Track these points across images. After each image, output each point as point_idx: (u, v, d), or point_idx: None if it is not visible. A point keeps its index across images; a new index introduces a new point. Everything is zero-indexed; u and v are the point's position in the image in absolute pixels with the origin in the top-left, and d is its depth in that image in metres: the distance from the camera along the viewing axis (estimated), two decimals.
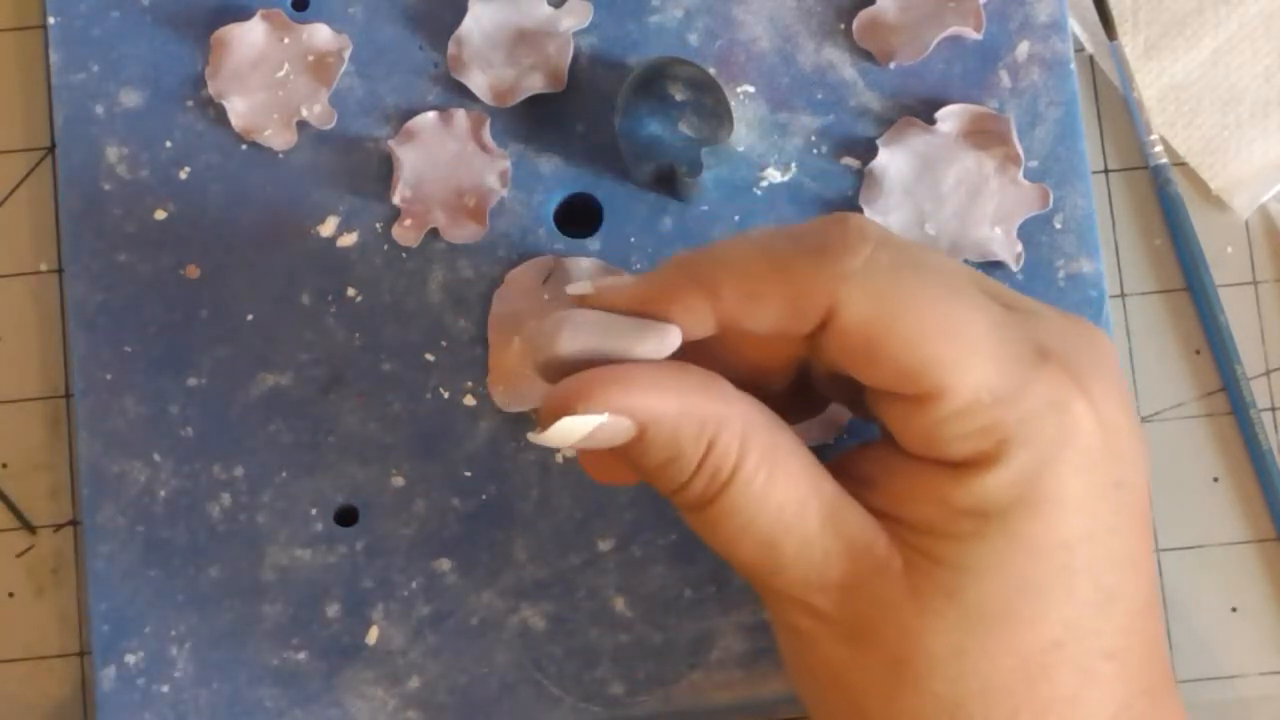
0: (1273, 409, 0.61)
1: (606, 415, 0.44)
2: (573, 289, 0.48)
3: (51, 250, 0.62)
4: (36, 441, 0.61)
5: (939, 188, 0.58)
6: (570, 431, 0.45)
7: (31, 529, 0.60)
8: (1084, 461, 0.45)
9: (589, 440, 0.45)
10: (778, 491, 0.45)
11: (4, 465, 0.60)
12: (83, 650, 0.60)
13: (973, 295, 0.45)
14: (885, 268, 0.44)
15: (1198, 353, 0.61)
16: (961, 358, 0.44)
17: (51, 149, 0.62)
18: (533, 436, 0.46)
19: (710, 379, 0.46)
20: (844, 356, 0.45)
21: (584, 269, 0.58)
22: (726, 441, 0.45)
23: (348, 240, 0.58)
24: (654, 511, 0.57)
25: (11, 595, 0.60)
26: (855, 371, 0.45)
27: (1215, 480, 0.60)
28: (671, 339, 0.46)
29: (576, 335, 0.46)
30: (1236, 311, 0.61)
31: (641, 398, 0.45)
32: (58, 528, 0.60)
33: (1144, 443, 0.47)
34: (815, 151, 0.59)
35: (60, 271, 0.61)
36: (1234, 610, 0.60)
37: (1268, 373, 0.61)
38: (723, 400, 0.46)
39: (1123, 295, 0.61)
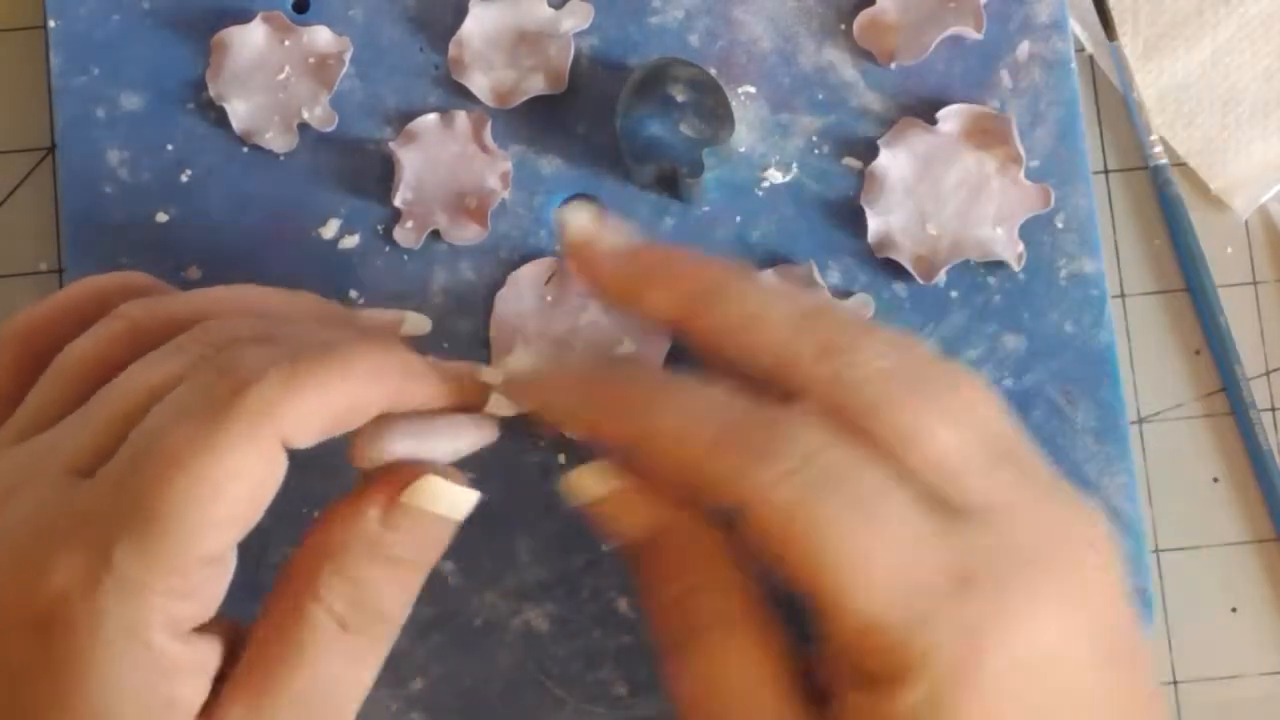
0: (1273, 409, 0.61)
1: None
2: (485, 376, 0.48)
3: (51, 250, 0.62)
4: None
5: (940, 188, 0.58)
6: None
7: None
8: (992, 692, 0.42)
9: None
10: (736, 666, 0.45)
11: None
12: None
13: (895, 518, 0.43)
14: (802, 484, 0.42)
15: (1198, 353, 0.61)
16: (861, 588, 0.42)
17: (52, 149, 0.62)
18: None
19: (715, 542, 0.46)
20: (757, 546, 0.44)
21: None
22: (711, 595, 0.45)
23: (349, 242, 0.58)
24: None
25: None
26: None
27: (1215, 480, 0.61)
28: (486, 433, 0.48)
29: (395, 441, 0.46)
30: (1236, 311, 0.61)
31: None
32: None
33: (1112, 664, 0.44)
34: (816, 152, 0.59)
35: (60, 271, 0.61)
36: (1234, 610, 0.60)
37: (1268, 373, 0.61)
38: (718, 563, 0.45)
39: (1123, 295, 0.61)
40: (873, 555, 0.42)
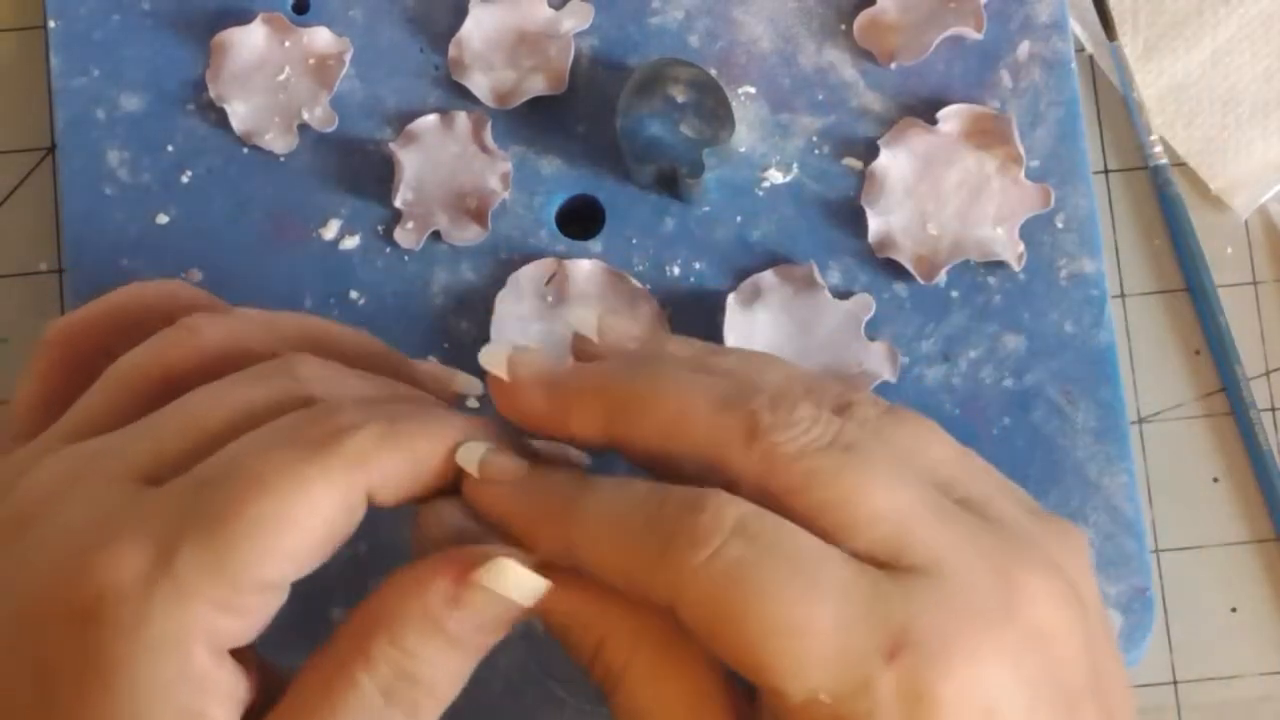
0: (1273, 409, 0.61)
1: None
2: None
3: (51, 250, 0.62)
4: None
5: (940, 188, 0.58)
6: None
7: None
8: None
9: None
10: (668, 699, 0.44)
11: None
12: None
13: (830, 581, 0.41)
14: (731, 562, 0.41)
15: (1198, 353, 0.61)
16: (796, 661, 0.41)
17: (52, 149, 0.62)
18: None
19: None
20: (692, 634, 0.43)
21: (585, 272, 0.58)
22: (615, 644, 0.44)
23: (350, 243, 0.58)
24: None
25: None
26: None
27: (1215, 480, 0.61)
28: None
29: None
30: (1236, 311, 0.61)
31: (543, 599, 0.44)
32: None
33: (1071, 712, 0.43)
34: (816, 152, 0.59)
35: (60, 271, 0.61)
36: (1234, 610, 0.60)
37: (1268, 373, 0.61)
38: (616, 607, 0.45)
39: (1123, 295, 0.61)
40: (810, 624, 0.41)
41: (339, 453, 0.43)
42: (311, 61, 0.59)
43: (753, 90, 0.59)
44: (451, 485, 0.46)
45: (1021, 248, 0.57)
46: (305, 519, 0.42)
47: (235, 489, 0.42)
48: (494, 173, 0.58)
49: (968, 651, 0.41)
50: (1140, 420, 0.60)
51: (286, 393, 0.46)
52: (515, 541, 0.45)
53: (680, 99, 0.57)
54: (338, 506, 0.43)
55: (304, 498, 0.42)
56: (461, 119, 0.59)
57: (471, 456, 0.45)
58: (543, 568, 0.44)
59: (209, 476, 0.43)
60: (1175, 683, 0.59)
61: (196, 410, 0.45)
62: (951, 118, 0.58)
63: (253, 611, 0.43)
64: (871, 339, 0.57)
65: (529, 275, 0.58)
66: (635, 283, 0.58)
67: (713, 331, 0.57)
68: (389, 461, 0.43)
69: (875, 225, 0.58)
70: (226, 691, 0.43)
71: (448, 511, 0.46)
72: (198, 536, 0.42)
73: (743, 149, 0.59)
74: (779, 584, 0.41)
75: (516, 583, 0.45)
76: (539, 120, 0.59)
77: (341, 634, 0.45)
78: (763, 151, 0.59)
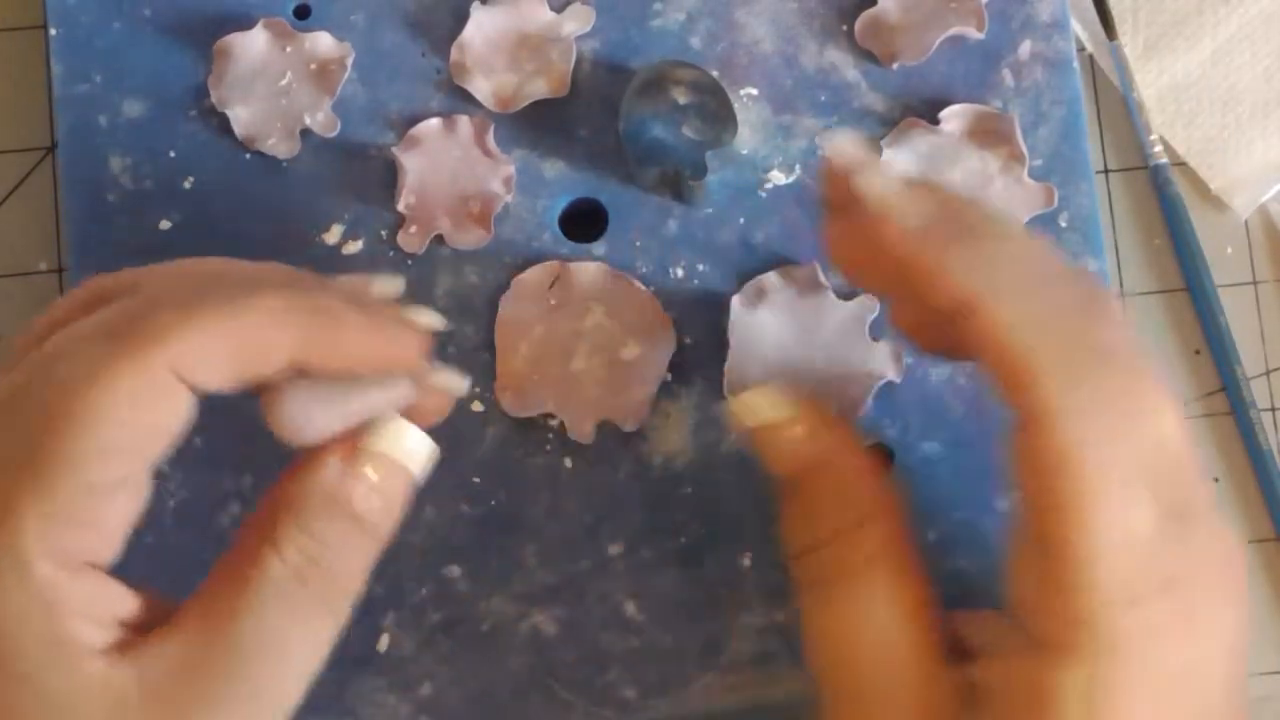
0: (1273, 409, 0.61)
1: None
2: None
3: (51, 250, 0.61)
4: None
5: None
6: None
7: None
8: (1156, 694, 0.42)
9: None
10: (876, 613, 0.45)
11: None
12: None
13: (1139, 487, 0.42)
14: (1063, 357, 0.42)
15: (1197, 353, 0.61)
16: (1096, 546, 0.41)
17: (52, 149, 0.62)
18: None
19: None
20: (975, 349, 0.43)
21: (588, 275, 0.58)
22: (869, 533, 0.45)
23: (353, 248, 0.58)
24: (663, 515, 0.57)
25: None
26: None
27: (1215, 480, 0.61)
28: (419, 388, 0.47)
29: (314, 404, 0.45)
30: (1236, 311, 0.61)
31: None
32: None
33: (1240, 692, 0.44)
34: (819, 153, 0.59)
35: (60, 271, 0.61)
36: None
37: (1268, 373, 0.61)
38: (874, 505, 0.45)
39: (1123, 295, 0.61)
40: (1114, 525, 0.41)
41: (135, 334, 0.41)
42: (313, 66, 0.59)
43: (755, 92, 0.59)
44: (291, 369, 0.44)
45: None
46: (113, 410, 0.41)
47: (37, 397, 0.41)
48: (497, 176, 0.58)
49: (1211, 610, 0.43)
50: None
51: (109, 292, 0.44)
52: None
53: (682, 101, 0.57)
54: (146, 391, 0.41)
55: (106, 390, 0.41)
56: (464, 123, 0.59)
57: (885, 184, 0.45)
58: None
59: (15, 384, 0.42)
60: None
61: (30, 336, 0.44)
62: (954, 118, 0.58)
63: (98, 519, 0.42)
64: (875, 339, 0.57)
65: (532, 279, 0.58)
66: (639, 285, 0.58)
67: (716, 333, 0.57)
68: (193, 335, 0.42)
69: None
70: (87, 608, 0.42)
71: (298, 396, 0.45)
72: (7, 451, 0.41)
73: (745, 150, 0.59)
74: (1104, 420, 0.42)
75: (409, 443, 0.45)
76: (541, 123, 0.59)
77: (249, 523, 0.44)
78: (765, 153, 0.59)
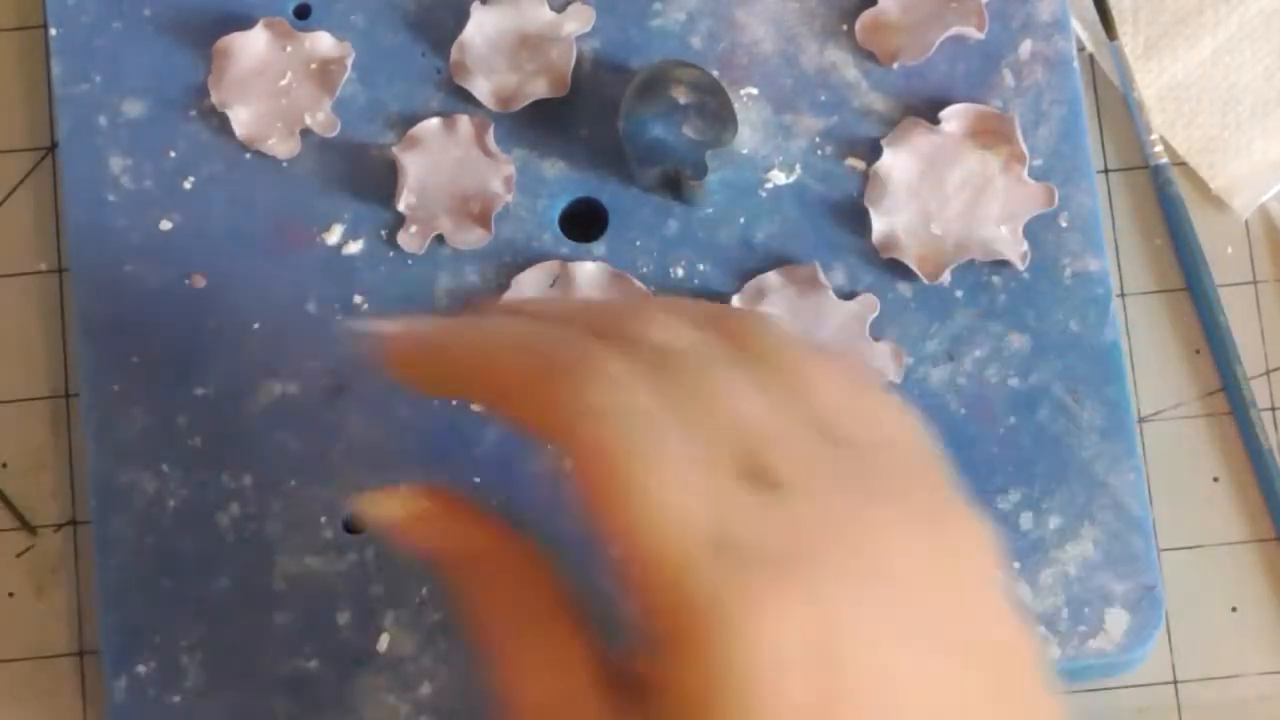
0: (1273, 409, 0.61)
1: None
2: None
3: (51, 250, 0.61)
4: (37, 441, 0.60)
5: (944, 188, 0.58)
6: None
7: (32, 529, 0.60)
8: (773, 667, 0.39)
9: None
10: (559, 671, 0.44)
11: (4, 465, 0.60)
12: (83, 650, 0.59)
13: (710, 470, 0.41)
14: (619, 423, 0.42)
15: (1198, 353, 0.61)
16: (662, 530, 0.40)
17: (52, 148, 0.62)
18: None
19: None
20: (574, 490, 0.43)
21: (589, 274, 0.58)
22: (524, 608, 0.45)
23: (353, 248, 0.58)
24: None
25: (11, 595, 0.60)
26: None
27: (1215, 480, 0.61)
28: None
29: None
30: (1236, 311, 0.61)
31: None
32: (58, 528, 0.60)
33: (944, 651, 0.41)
34: (819, 153, 0.59)
35: (60, 271, 0.61)
36: (1234, 610, 0.60)
37: (1268, 373, 0.61)
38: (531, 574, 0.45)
39: (1123, 295, 0.61)
40: (681, 499, 0.40)
41: None
42: (313, 66, 0.59)
43: (755, 91, 0.59)
44: None
45: (1026, 247, 0.57)
46: None
47: None
48: (497, 176, 0.58)
49: (820, 574, 0.40)
50: (1140, 420, 0.60)
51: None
52: None
53: (683, 101, 0.57)
54: None
55: None
56: (464, 123, 0.59)
57: None
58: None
59: None
60: (1175, 682, 0.59)
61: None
62: (954, 117, 0.58)
63: None
64: (876, 339, 0.57)
65: (533, 278, 0.58)
66: (639, 285, 0.58)
67: None
68: None
69: (879, 225, 0.58)
70: None
71: None
72: None
73: (745, 150, 0.59)
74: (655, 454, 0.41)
75: None
76: (541, 123, 0.59)
77: None
78: (765, 153, 0.59)
